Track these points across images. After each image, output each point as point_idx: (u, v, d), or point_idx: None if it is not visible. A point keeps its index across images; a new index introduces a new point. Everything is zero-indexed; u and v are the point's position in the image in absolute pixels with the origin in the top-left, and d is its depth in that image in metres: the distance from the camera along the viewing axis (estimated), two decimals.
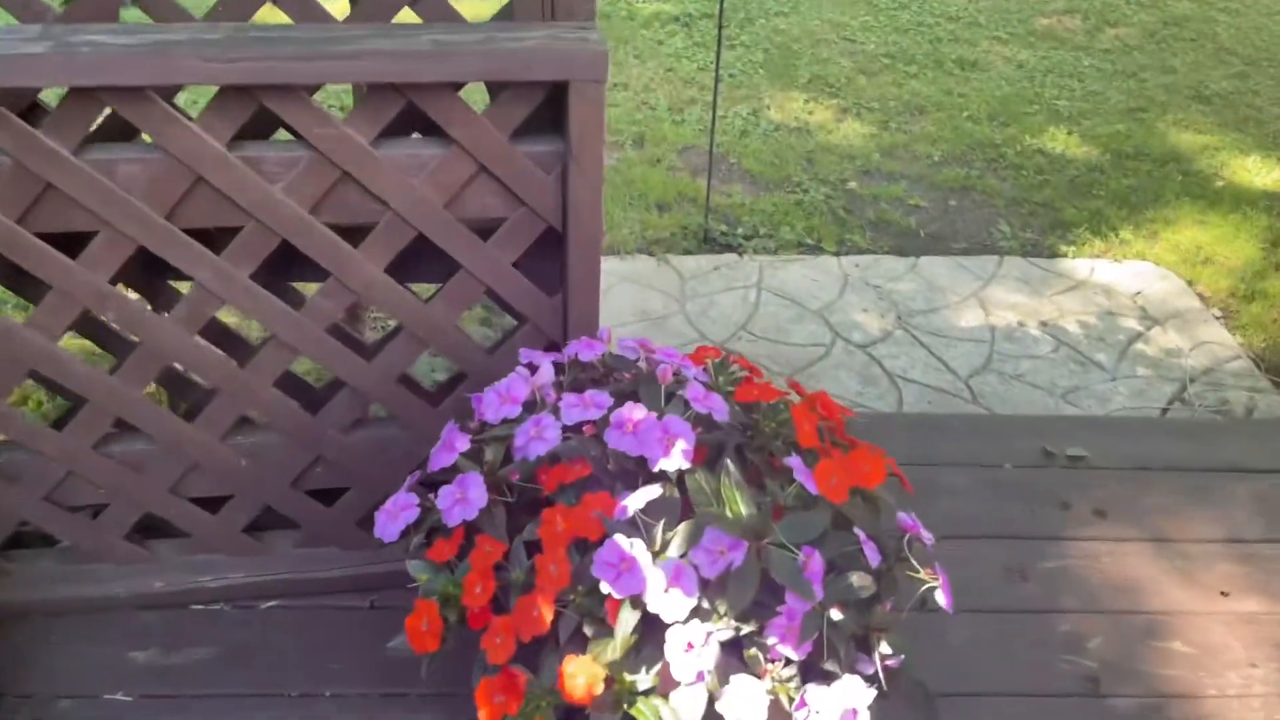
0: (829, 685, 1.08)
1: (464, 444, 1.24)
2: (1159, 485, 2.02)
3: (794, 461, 1.17)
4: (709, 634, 1.04)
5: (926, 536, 1.24)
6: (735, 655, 1.11)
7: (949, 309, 2.87)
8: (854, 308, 2.86)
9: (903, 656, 1.15)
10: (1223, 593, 1.78)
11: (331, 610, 1.66)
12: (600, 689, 1.07)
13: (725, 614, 1.06)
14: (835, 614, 1.10)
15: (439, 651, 1.15)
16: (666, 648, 1.04)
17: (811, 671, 1.13)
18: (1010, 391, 2.60)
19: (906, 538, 1.24)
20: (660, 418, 1.18)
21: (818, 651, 1.12)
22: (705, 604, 1.08)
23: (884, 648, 1.14)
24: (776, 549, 1.10)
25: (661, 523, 1.11)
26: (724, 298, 2.89)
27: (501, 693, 1.07)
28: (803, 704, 1.06)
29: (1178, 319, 2.97)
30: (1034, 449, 2.15)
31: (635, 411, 1.18)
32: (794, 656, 1.10)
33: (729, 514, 1.12)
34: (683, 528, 1.11)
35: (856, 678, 1.10)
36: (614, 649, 1.09)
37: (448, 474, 1.23)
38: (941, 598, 1.20)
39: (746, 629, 1.08)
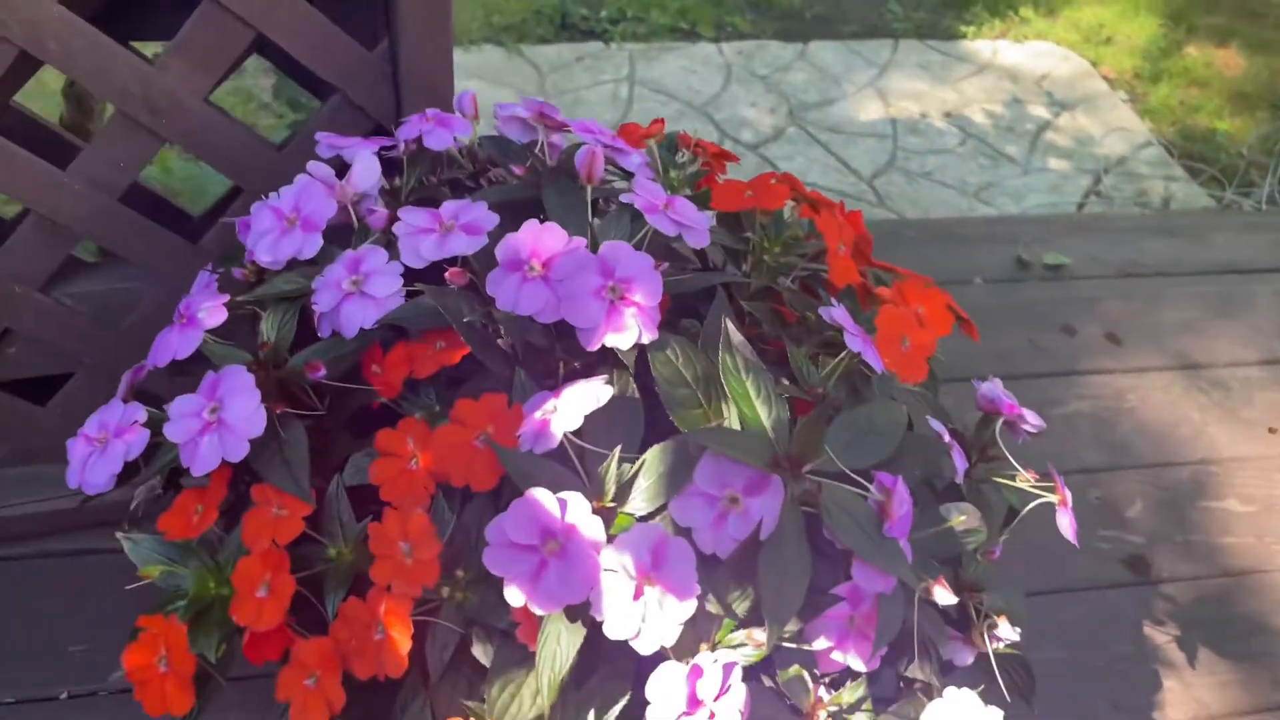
0: (921, 713, 0.60)
1: (216, 311, 0.65)
2: (1170, 298, 1.61)
3: (840, 315, 0.64)
4: (728, 667, 0.52)
5: (1031, 419, 0.75)
6: (758, 670, 0.61)
7: (845, 101, 2.67)
8: (741, 102, 2.62)
9: (1015, 638, 0.68)
10: (1270, 429, 1.41)
11: (63, 560, 1.08)
12: None
13: (761, 622, 0.55)
14: (942, 595, 0.60)
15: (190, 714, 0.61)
16: (650, 709, 0.53)
17: (876, 683, 0.65)
18: (919, 192, 2.43)
19: (997, 424, 0.75)
20: (593, 245, 0.62)
21: (894, 650, 0.63)
22: (710, 604, 0.56)
23: (1004, 629, 0.66)
24: (830, 485, 0.58)
25: (615, 451, 0.57)
26: (591, 94, 2.56)
27: None
28: None
29: (1086, 104, 2.86)
30: (1003, 258, 1.70)
31: (546, 237, 0.62)
32: (861, 667, 0.61)
33: (740, 423, 0.59)
34: (658, 453, 0.58)
35: (964, 694, 0.62)
36: (538, 693, 0.57)
37: (190, 369, 0.65)
38: (1064, 523, 0.72)
39: (786, 642, 0.58)
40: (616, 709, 0.60)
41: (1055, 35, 3.11)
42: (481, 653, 0.60)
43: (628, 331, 0.59)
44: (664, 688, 0.52)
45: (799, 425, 0.58)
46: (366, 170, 0.69)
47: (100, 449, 0.65)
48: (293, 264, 0.68)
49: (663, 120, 0.77)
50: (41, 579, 1.07)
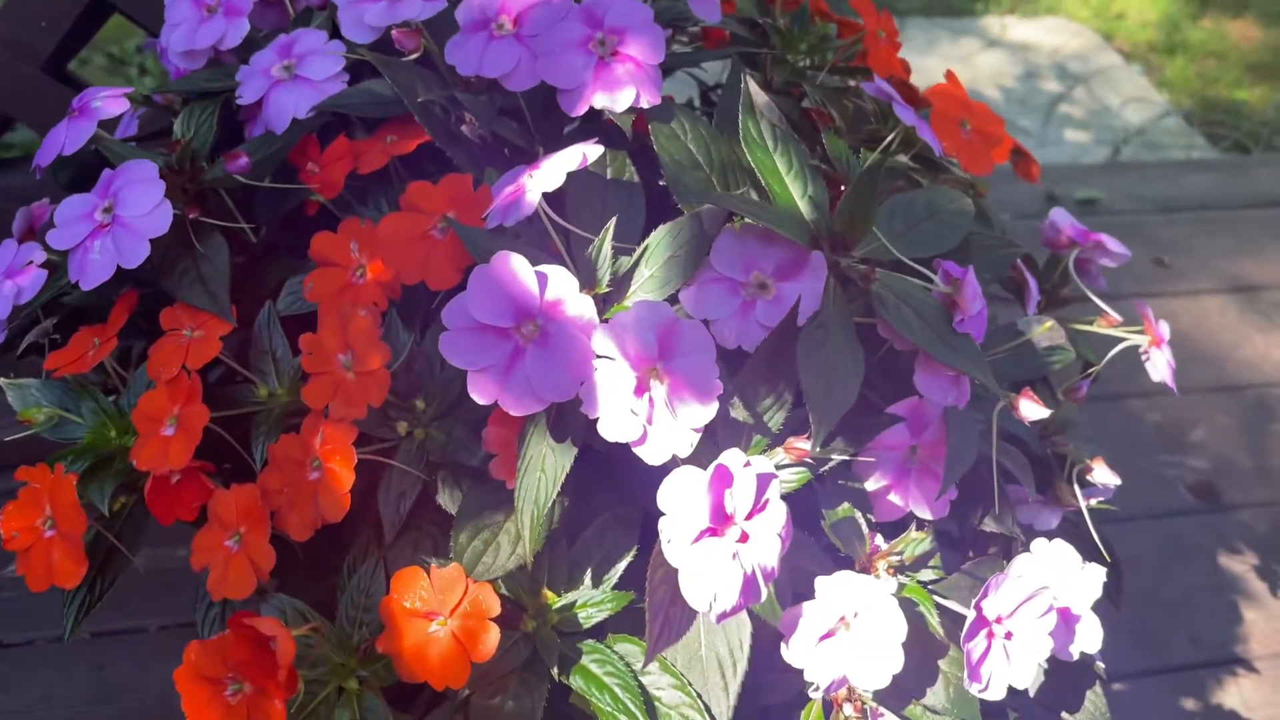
0: (1007, 567, 0.47)
1: (114, 101, 0.52)
2: (1215, 224, 1.49)
3: (886, 87, 0.52)
4: (764, 478, 0.40)
5: (1114, 247, 0.62)
6: (799, 520, 0.48)
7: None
8: None
9: (1116, 482, 0.55)
10: None
11: None
12: (488, 637, 0.43)
13: (814, 427, 0.42)
14: (1031, 409, 0.47)
15: (89, 590, 0.48)
16: (663, 521, 0.40)
17: (946, 540, 0.52)
18: None
19: (1071, 256, 0.62)
20: None
21: (968, 498, 0.50)
22: (735, 409, 0.43)
23: (1100, 473, 0.53)
24: (886, 273, 0.46)
25: (609, 224, 0.44)
26: None
27: (235, 670, 0.42)
28: (981, 620, 0.44)
29: (1101, 77, 2.77)
30: (1031, 195, 1.58)
31: None
32: (926, 514, 0.48)
33: (768, 198, 0.47)
34: (665, 233, 0.45)
35: (1058, 547, 0.49)
36: (518, 540, 0.45)
37: (80, 175, 0.52)
38: (1160, 363, 0.59)
39: (831, 460, 0.45)
40: (619, 567, 0.47)
41: (1066, 10, 3.07)
42: (449, 501, 0.48)
43: (622, 90, 0.47)
44: (680, 496, 0.39)
45: (844, 196, 0.45)
46: None
47: None
48: (213, 58, 0.56)
49: None
50: None
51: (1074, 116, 2.63)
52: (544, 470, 0.43)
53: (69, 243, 0.48)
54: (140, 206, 0.47)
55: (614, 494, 0.48)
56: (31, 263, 0.54)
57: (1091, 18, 3.05)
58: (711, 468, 0.39)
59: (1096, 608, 0.50)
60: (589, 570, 0.47)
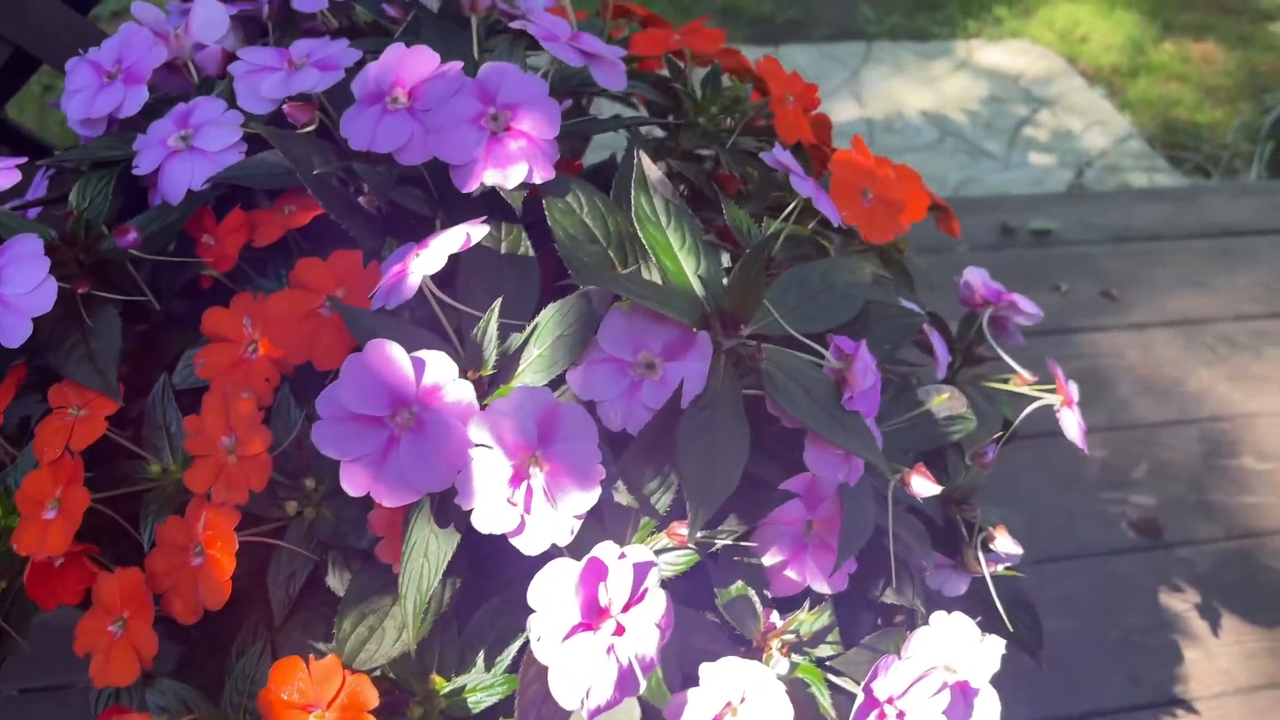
0: (905, 641, 0.47)
1: (5, 174, 0.52)
2: (1163, 256, 1.50)
3: (785, 157, 0.52)
4: (640, 568, 0.39)
5: (1027, 308, 0.63)
6: (694, 598, 0.48)
7: (821, 101, 2.44)
8: None
9: (1019, 553, 0.55)
10: None
11: None
12: None
13: (690, 514, 0.42)
14: (922, 485, 0.47)
15: None
16: (533, 618, 0.39)
17: (847, 610, 0.52)
18: None
19: (985, 315, 0.62)
20: (470, 70, 0.49)
21: (870, 569, 0.50)
22: (619, 493, 0.43)
23: (1002, 542, 0.53)
24: (774, 349, 0.45)
25: (495, 305, 0.44)
26: None
27: None
28: (872, 702, 0.44)
29: (1065, 100, 2.77)
30: (987, 225, 1.59)
31: (413, 61, 0.49)
32: (825, 589, 0.48)
33: (659, 277, 0.47)
34: (553, 313, 0.45)
35: (957, 620, 0.49)
36: (401, 628, 0.44)
37: None
38: (1070, 423, 0.59)
39: (722, 539, 0.45)
40: (513, 648, 0.46)
41: (1031, 34, 3.11)
42: (338, 582, 0.47)
43: (514, 166, 0.47)
44: (551, 592, 0.38)
45: (734, 272, 0.45)
46: (209, 19, 0.57)
47: None
48: (112, 128, 0.55)
49: None
50: None
51: (1038, 140, 2.67)
52: (427, 556, 0.42)
53: None
54: (23, 285, 0.47)
55: (507, 573, 0.47)
56: None
57: (1056, 41, 3.10)
58: (583, 562, 0.38)
59: (1013, 650, 0.49)
60: (481, 653, 0.46)
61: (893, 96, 2.71)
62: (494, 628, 0.47)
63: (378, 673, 0.45)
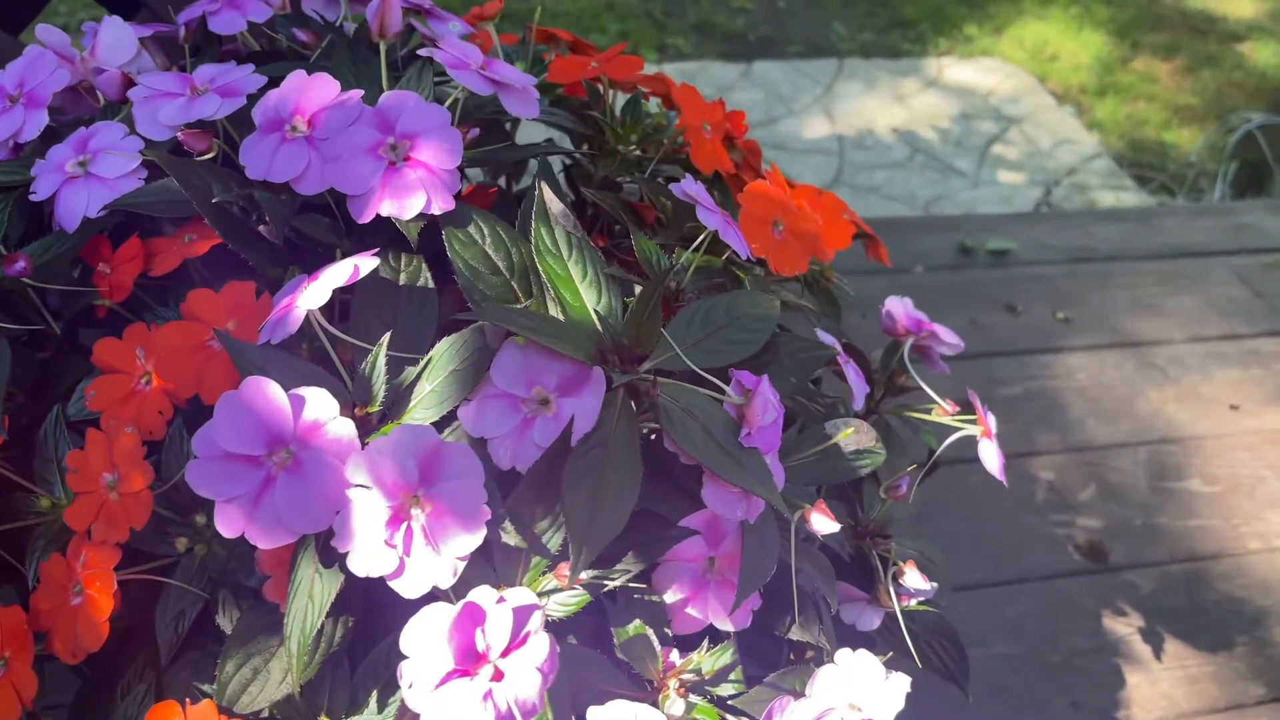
0: (808, 682, 0.46)
1: None
2: (1118, 277, 1.51)
3: (694, 188, 0.51)
4: (521, 611, 0.38)
5: (948, 338, 0.62)
6: (595, 636, 0.47)
7: (791, 118, 2.57)
8: None
9: (934, 588, 0.54)
10: (1232, 406, 1.29)
11: None
12: None
13: (572, 555, 0.41)
14: (821, 522, 0.47)
15: None
16: (404, 664, 0.38)
17: (759, 647, 0.51)
18: (867, 205, 2.33)
19: (906, 345, 0.62)
20: (374, 99, 0.49)
21: (777, 606, 0.50)
22: (508, 534, 0.42)
23: (911, 577, 0.52)
24: (672, 384, 0.45)
25: (384, 339, 0.43)
26: None
27: None
28: None
29: (1034, 118, 2.80)
30: (945, 245, 1.60)
31: (313, 89, 0.48)
32: (727, 626, 0.47)
33: (559, 309, 0.46)
34: (447, 346, 0.44)
35: (861, 656, 0.48)
36: (285, 667, 0.43)
37: None
38: (989, 455, 0.59)
39: (614, 580, 0.44)
40: (398, 698, 0.45)
41: (1001, 53, 3.14)
42: (228, 621, 0.46)
43: (411, 197, 0.46)
44: (423, 638, 0.37)
45: (632, 306, 0.45)
46: (116, 41, 0.56)
47: None
48: (13, 154, 0.54)
49: (500, 1, 0.65)
50: None
51: (1007, 157, 2.69)
52: (311, 597, 0.41)
53: None
54: None
55: (403, 611, 0.46)
56: None
57: (1026, 59, 3.13)
58: (457, 607, 0.37)
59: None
60: (375, 693, 0.45)
61: (864, 113, 2.73)
62: (388, 667, 0.45)
63: (266, 714, 0.44)
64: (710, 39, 2.99)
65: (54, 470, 0.49)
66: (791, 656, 0.54)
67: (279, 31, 0.62)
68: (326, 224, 0.52)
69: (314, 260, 0.52)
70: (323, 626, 0.42)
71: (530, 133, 0.76)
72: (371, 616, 0.46)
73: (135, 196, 0.50)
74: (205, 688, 0.43)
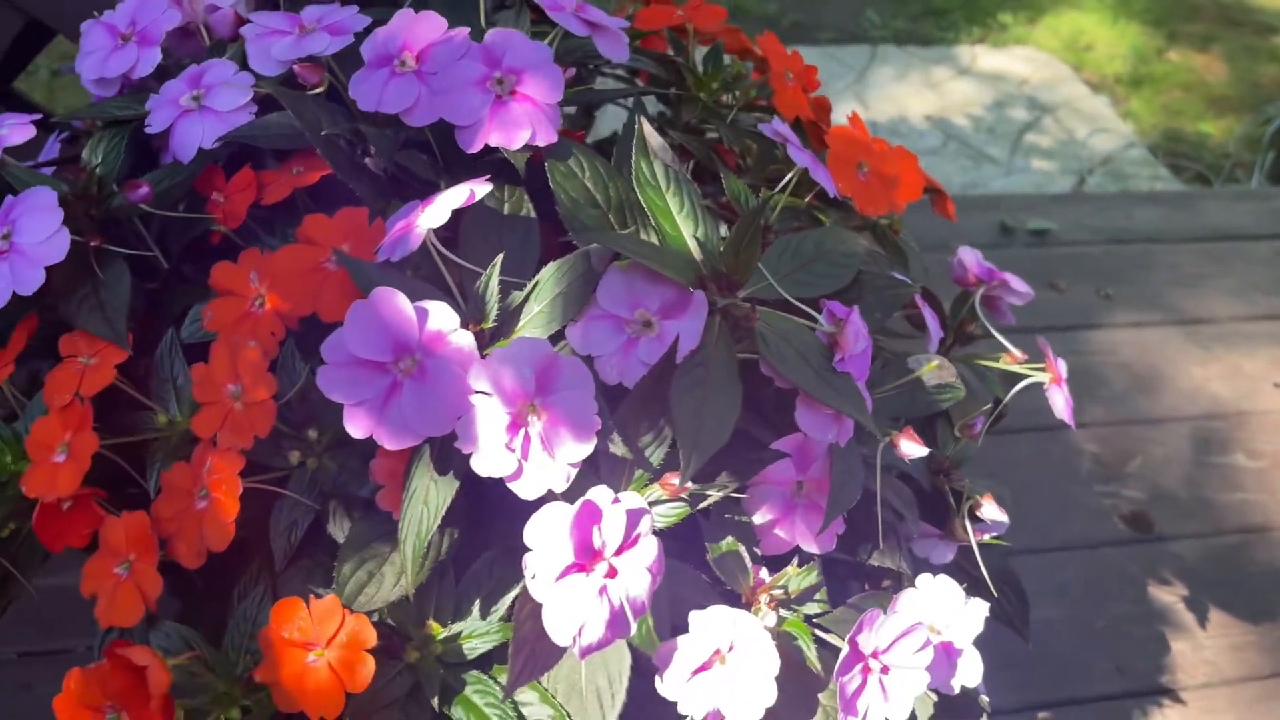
0: (892, 601, 0.48)
1: (20, 129, 0.53)
2: (1160, 257, 1.51)
3: (783, 129, 0.53)
4: (634, 513, 0.40)
5: (1018, 287, 0.64)
6: (685, 554, 0.49)
7: (820, 83, 2.44)
8: None
9: (1005, 520, 0.56)
10: (1276, 384, 1.30)
11: None
12: (364, 668, 0.43)
13: (682, 461, 0.43)
14: (910, 447, 0.48)
15: None
16: (528, 556, 0.40)
17: (834, 573, 0.53)
18: None
19: (977, 294, 0.64)
20: (477, 36, 0.51)
21: (859, 532, 0.51)
22: (614, 445, 0.44)
23: (988, 509, 0.54)
24: (768, 311, 0.47)
25: (496, 261, 0.45)
26: None
27: (114, 698, 0.42)
28: (856, 654, 0.45)
29: (1068, 107, 2.76)
30: (986, 224, 1.60)
31: (421, 26, 0.50)
32: (813, 548, 0.49)
33: (658, 239, 0.48)
34: (554, 270, 0.46)
35: (943, 582, 0.50)
36: (399, 573, 0.45)
37: None
38: (1058, 399, 0.60)
39: (712, 495, 0.46)
40: (508, 598, 0.48)
41: (1035, 41, 3.12)
42: (339, 531, 0.48)
43: (517, 128, 0.48)
44: (546, 532, 0.39)
45: (730, 236, 0.46)
46: None
47: None
48: (124, 88, 0.56)
49: None
50: None
51: (1041, 146, 2.68)
52: (426, 503, 0.43)
53: None
54: (36, 234, 0.48)
55: (506, 524, 0.48)
56: None
57: (1061, 49, 3.10)
58: (578, 505, 0.39)
59: (1003, 639, 0.50)
60: (477, 601, 0.47)
61: (897, 100, 2.72)
62: (491, 577, 0.48)
63: (375, 617, 0.46)
64: (743, 24, 2.99)
65: (169, 389, 0.51)
66: (866, 586, 0.56)
67: None
68: (424, 160, 0.54)
69: (413, 194, 0.54)
70: (431, 536, 0.44)
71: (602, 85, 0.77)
72: (473, 531, 0.48)
73: (249, 129, 0.52)
74: (319, 591, 0.46)
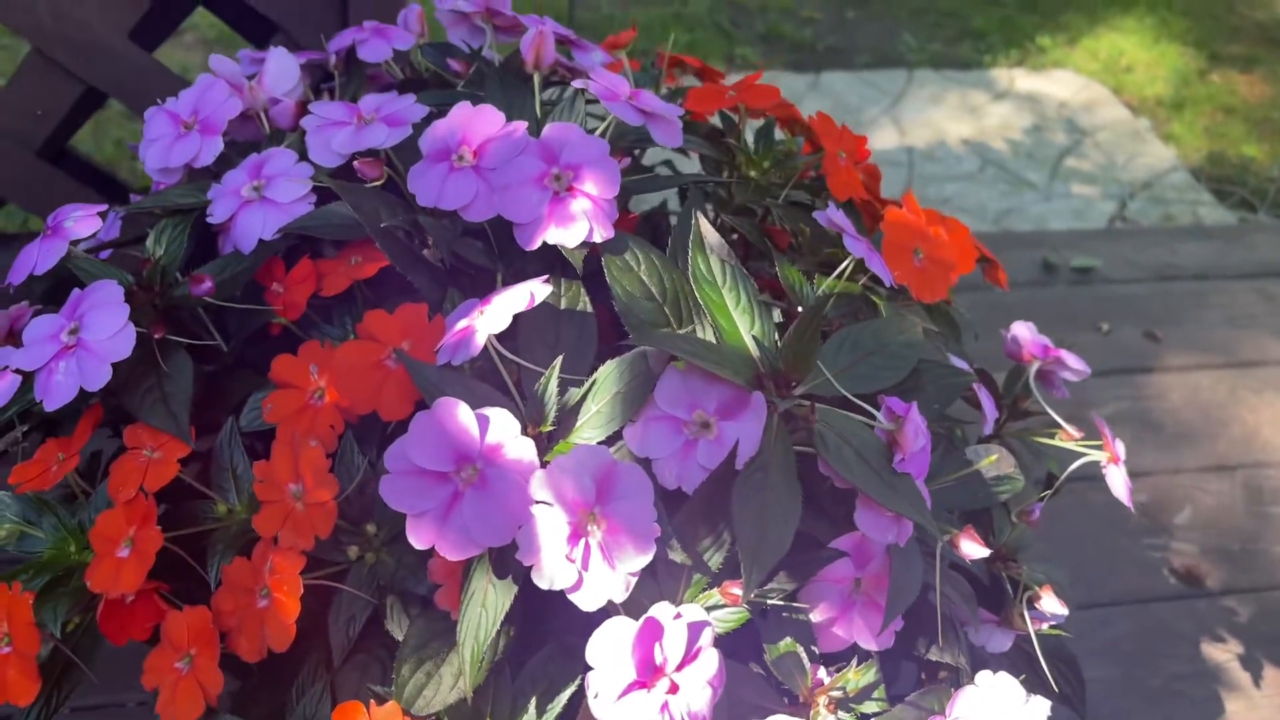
0: (951, 698, 0.47)
1: (86, 221, 0.54)
2: (1209, 296, 1.49)
3: (838, 217, 0.53)
4: (695, 627, 0.40)
5: (1074, 364, 0.63)
6: (742, 652, 0.48)
7: (860, 129, 2.55)
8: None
9: (1064, 613, 0.55)
10: None
11: None
12: None
13: (744, 573, 0.43)
14: (971, 548, 0.48)
15: (44, 704, 0.49)
16: (590, 675, 0.40)
17: (889, 663, 0.52)
18: None
19: (1032, 370, 0.63)
20: (534, 129, 0.51)
21: (916, 626, 0.51)
22: (674, 551, 0.44)
23: (1048, 602, 0.53)
24: (826, 410, 0.46)
25: (555, 363, 0.45)
26: None
27: None
28: None
29: (1108, 130, 2.73)
30: (1028, 262, 1.59)
31: (479, 121, 0.51)
32: (871, 645, 0.48)
33: (714, 335, 0.48)
34: (612, 370, 0.46)
35: (1002, 680, 0.49)
36: (457, 675, 0.46)
37: (55, 287, 0.54)
38: (1116, 480, 0.60)
39: (773, 598, 0.46)
40: (564, 697, 0.47)
41: (1074, 64, 3.09)
42: (397, 628, 0.48)
43: (575, 225, 0.48)
44: (608, 650, 0.39)
45: (787, 333, 0.46)
46: (281, 71, 0.59)
47: None
48: (188, 176, 0.57)
49: (634, 29, 0.67)
50: None
51: (1081, 170, 2.65)
52: (485, 606, 0.43)
53: (35, 364, 0.49)
54: (104, 330, 0.49)
55: (561, 621, 0.48)
56: (7, 368, 0.55)
57: (1100, 71, 3.07)
58: (640, 621, 0.39)
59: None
60: (533, 700, 0.47)
61: (934, 124, 2.71)
62: (546, 675, 0.48)
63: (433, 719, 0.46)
64: (778, 49, 2.99)
65: (229, 479, 0.52)
66: (923, 676, 0.55)
67: (421, 59, 0.65)
68: (480, 248, 0.54)
69: (469, 283, 0.54)
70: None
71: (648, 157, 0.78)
72: (528, 626, 0.48)
73: (308, 220, 0.53)
74: (378, 689, 0.46)
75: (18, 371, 0.54)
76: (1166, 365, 1.35)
